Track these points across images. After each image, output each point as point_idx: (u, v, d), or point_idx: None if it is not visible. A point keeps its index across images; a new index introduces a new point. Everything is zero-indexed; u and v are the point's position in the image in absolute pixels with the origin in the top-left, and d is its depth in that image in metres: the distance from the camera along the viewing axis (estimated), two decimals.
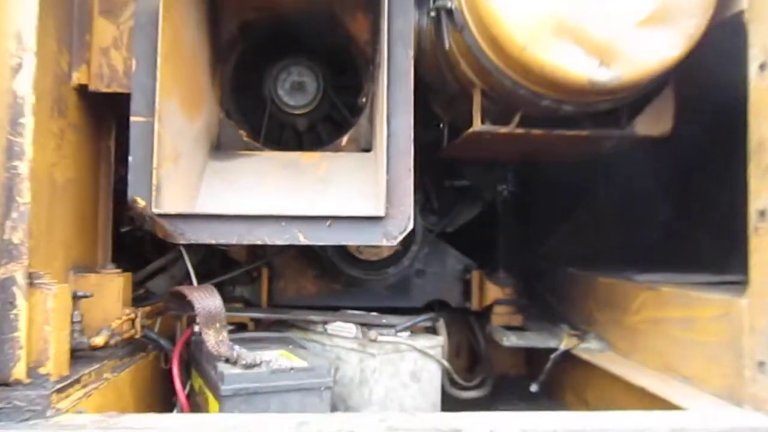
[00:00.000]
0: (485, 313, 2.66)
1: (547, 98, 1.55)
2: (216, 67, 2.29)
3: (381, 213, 1.67)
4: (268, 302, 2.59)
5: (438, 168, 2.77)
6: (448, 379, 2.14)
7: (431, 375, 1.94)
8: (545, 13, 1.43)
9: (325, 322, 2.01)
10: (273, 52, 2.52)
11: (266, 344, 1.86)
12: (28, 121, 1.31)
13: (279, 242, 1.68)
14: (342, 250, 2.60)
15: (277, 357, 1.70)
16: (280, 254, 2.66)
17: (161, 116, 1.69)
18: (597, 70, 1.44)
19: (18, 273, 1.30)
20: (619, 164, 2.74)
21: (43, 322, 1.35)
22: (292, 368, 1.62)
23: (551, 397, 2.52)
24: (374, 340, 1.85)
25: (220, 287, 2.56)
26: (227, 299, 2.50)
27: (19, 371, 1.30)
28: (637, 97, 1.63)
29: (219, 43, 2.29)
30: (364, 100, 2.31)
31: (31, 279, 1.33)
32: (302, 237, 1.68)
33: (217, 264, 2.63)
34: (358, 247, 2.57)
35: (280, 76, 2.56)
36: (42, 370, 1.33)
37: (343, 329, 1.95)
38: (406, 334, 1.94)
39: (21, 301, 1.30)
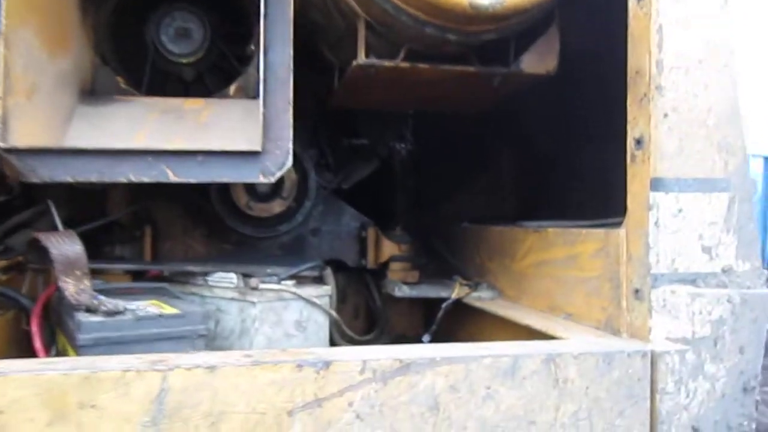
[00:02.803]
0: (382, 271, 2.61)
1: (429, 25, 1.49)
2: (87, 7, 2.10)
3: (257, 148, 1.56)
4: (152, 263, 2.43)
5: (333, 124, 2.69)
6: (337, 331, 2.07)
7: (318, 325, 1.86)
8: None
9: (205, 274, 1.89)
10: None
11: (138, 295, 1.72)
12: None
13: (145, 179, 1.54)
14: (230, 206, 2.47)
15: (146, 306, 1.57)
16: (164, 211, 2.50)
17: (9, 41, 1.51)
18: None
19: None
20: (516, 123, 2.77)
21: None
22: (160, 315, 1.50)
23: None
24: (255, 288, 1.75)
25: (98, 247, 2.39)
26: (106, 259, 2.33)
27: None
28: (522, 30, 1.60)
29: None
30: (252, 47, 2.18)
31: None
32: (171, 174, 1.55)
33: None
34: (248, 202, 2.46)
35: (164, 21, 2.38)
36: None
37: (224, 279, 1.84)
38: (292, 282, 1.85)
39: None
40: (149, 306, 1.57)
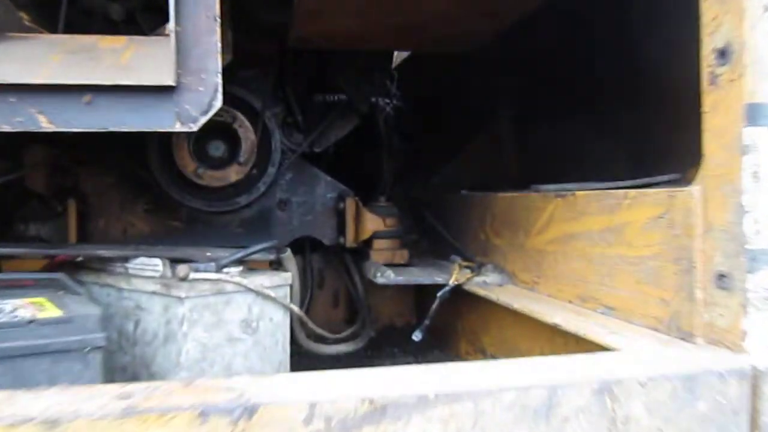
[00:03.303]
0: (364, 250, 2.17)
1: None
2: None
3: (169, 81, 1.10)
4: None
5: (303, 74, 2.22)
6: (303, 329, 1.62)
7: (274, 325, 1.41)
8: None
9: (125, 259, 1.43)
10: None
11: (24, 290, 1.26)
12: None
13: (6, 128, 1.08)
14: (174, 174, 2.01)
15: (20, 305, 1.11)
16: (95, 180, 2.04)
17: None
18: None
19: None
20: (519, 66, 2.30)
21: None
22: (31, 321, 1.05)
23: (443, 348, 2.07)
24: (184, 279, 1.29)
25: (10, 225, 1.93)
26: (19, 240, 1.88)
27: None
28: None
29: None
30: None
31: None
32: (44, 120, 1.09)
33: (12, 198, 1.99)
34: (196, 169, 1.99)
35: None
36: None
37: (147, 266, 1.38)
38: (238, 269, 1.40)
39: None
40: (25, 306, 1.12)
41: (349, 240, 2.13)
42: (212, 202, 2.06)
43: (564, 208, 1.39)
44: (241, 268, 1.41)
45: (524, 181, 2.43)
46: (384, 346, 2.22)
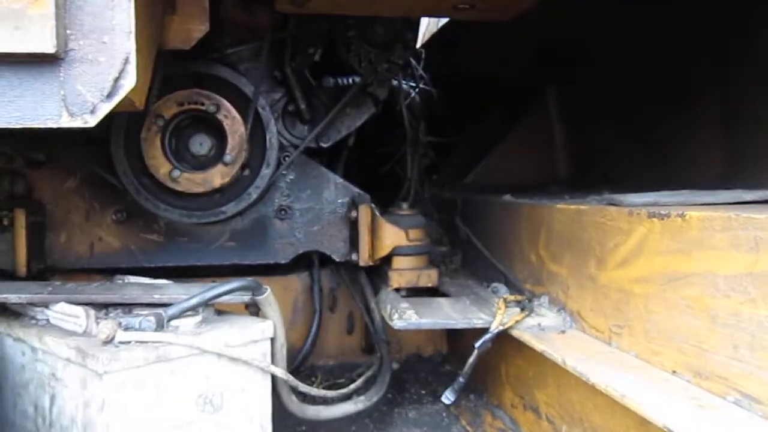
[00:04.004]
0: (382, 268, 1.75)
1: None
2: None
3: (47, 47, 0.69)
4: (30, 265, 1.59)
5: (305, 52, 1.79)
6: (293, 391, 1.21)
7: (248, 396, 1.00)
8: None
9: (45, 304, 1.03)
10: None
11: None
12: None
13: None
14: (145, 177, 1.61)
15: None
16: (54, 184, 1.66)
17: None
18: None
19: None
20: (568, 38, 1.87)
21: None
22: None
23: (480, 393, 1.65)
24: (109, 341, 0.89)
25: None
26: None
27: None
28: None
29: None
30: None
31: None
32: None
33: None
34: (170, 171, 1.59)
35: None
36: None
37: (68, 317, 0.98)
38: (194, 320, 0.99)
39: None
40: None
41: (363, 257, 1.72)
42: (191, 212, 1.67)
43: (664, 234, 0.94)
44: (198, 317, 1.00)
45: (577, 182, 2.00)
46: (407, 386, 1.81)
